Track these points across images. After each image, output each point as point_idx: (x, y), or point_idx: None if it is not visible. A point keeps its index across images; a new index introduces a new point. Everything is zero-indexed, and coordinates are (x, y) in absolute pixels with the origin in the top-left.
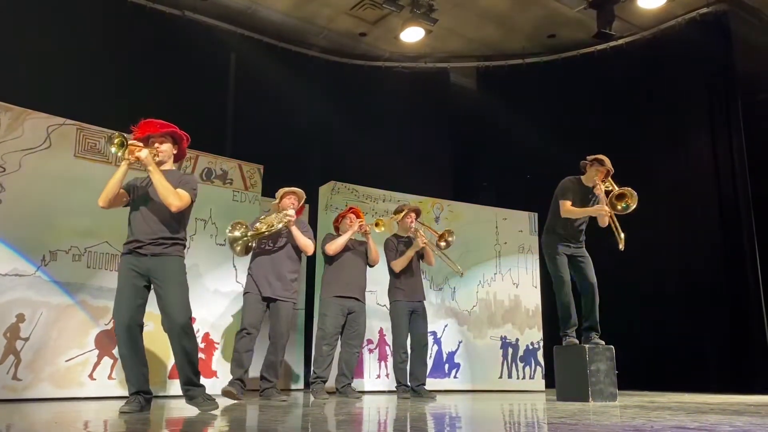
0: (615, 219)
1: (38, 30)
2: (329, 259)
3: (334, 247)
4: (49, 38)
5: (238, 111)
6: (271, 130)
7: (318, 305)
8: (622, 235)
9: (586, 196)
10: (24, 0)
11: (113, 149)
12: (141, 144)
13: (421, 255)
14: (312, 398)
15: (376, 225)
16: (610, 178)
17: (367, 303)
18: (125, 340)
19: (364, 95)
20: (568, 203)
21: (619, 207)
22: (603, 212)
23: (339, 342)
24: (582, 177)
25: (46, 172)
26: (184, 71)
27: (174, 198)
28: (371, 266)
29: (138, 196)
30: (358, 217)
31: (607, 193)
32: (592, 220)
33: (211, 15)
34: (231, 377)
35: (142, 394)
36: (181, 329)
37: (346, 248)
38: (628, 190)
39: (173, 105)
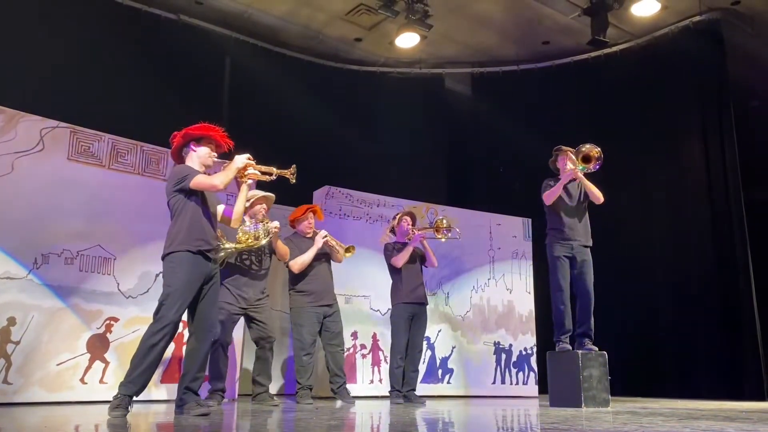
0: (586, 180)
1: (33, 32)
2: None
3: (297, 266)
4: (43, 41)
5: (232, 115)
6: (266, 134)
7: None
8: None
9: (567, 188)
10: (18, 3)
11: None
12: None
13: (423, 258)
14: (297, 403)
15: (347, 251)
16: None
17: (360, 308)
18: (169, 336)
19: (359, 100)
20: (547, 192)
21: (591, 166)
22: (571, 170)
23: (320, 345)
24: (558, 176)
25: (39, 175)
26: (179, 75)
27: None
28: (339, 263)
29: (206, 200)
30: (317, 216)
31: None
32: (594, 219)
33: (206, 19)
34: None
35: (135, 395)
36: (212, 332)
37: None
38: (585, 149)
39: (167, 108)
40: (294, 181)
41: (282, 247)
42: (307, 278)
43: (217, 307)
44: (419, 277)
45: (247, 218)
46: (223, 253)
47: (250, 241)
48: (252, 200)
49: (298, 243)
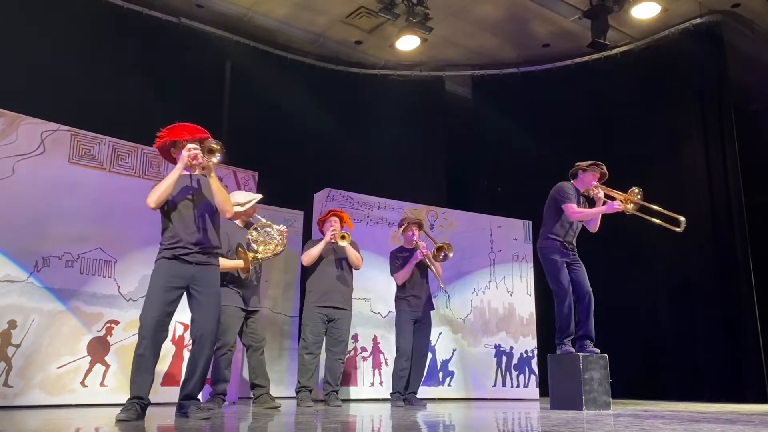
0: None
1: (33, 35)
2: (309, 268)
3: (307, 259)
4: (45, 44)
5: (233, 118)
6: (266, 137)
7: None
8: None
9: (578, 201)
10: (19, 5)
11: (211, 156)
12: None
13: (427, 266)
14: (297, 406)
15: (342, 237)
16: (602, 183)
17: (361, 311)
18: (149, 342)
19: (360, 103)
20: (574, 205)
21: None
22: (617, 207)
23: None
24: (575, 182)
25: (40, 178)
26: (180, 77)
27: (230, 205)
28: (356, 269)
29: (178, 201)
30: (341, 219)
31: (608, 196)
32: (583, 228)
33: (207, 22)
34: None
35: (138, 400)
36: (210, 338)
37: (325, 255)
38: (632, 199)
39: (168, 111)
40: (215, 158)
41: None
42: (314, 276)
43: (217, 315)
44: (422, 284)
45: (254, 231)
46: (260, 255)
47: (275, 248)
48: (246, 207)
49: (318, 242)
